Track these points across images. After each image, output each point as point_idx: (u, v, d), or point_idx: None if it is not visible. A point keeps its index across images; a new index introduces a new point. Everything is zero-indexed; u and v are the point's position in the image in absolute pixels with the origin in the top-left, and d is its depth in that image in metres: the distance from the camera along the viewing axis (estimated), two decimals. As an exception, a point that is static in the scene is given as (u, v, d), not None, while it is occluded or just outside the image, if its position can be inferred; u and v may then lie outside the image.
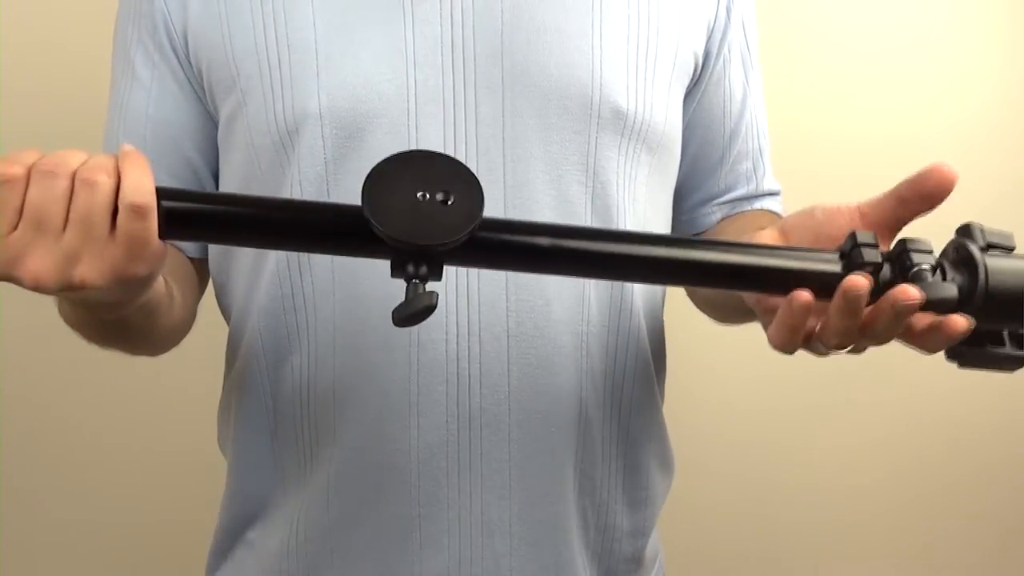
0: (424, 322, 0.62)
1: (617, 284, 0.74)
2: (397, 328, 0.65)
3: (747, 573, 1.56)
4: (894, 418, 1.56)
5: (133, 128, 0.76)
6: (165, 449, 1.31)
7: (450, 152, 0.69)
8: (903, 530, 1.59)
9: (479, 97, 0.70)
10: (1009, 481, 1.60)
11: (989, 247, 0.56)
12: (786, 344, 0.57)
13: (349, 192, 0.68)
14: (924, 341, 0.56)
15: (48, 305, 0.64)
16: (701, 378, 1.49)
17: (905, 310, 0.53)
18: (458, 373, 0.70)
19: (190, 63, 0.74)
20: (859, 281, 0.53)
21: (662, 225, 0.80)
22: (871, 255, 0.55)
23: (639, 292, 0.76)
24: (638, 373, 0.77)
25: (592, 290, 0.73)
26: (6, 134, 1.23)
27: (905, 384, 1.53)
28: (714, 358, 1.47)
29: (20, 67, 1.23)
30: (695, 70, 0.79)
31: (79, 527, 1.34)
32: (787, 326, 0.56)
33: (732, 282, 0.58)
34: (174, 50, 0.74)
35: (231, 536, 0.79)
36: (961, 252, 0.56)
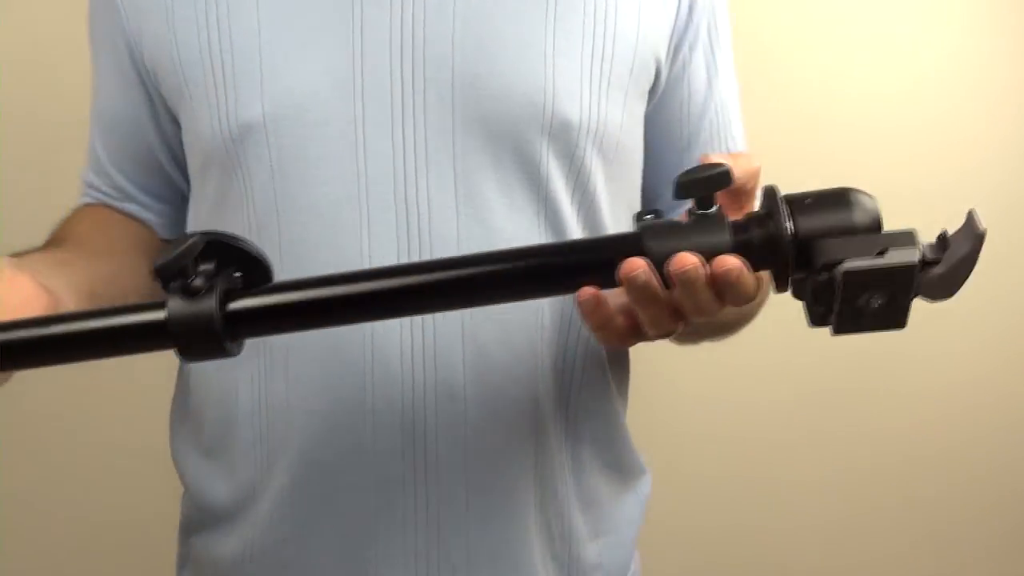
0: (378, 331, 0.67)
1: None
2: (351, 339, 0.68)
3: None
4: (887, 420, 1.56)
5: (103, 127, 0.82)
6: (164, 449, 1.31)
7: (400, 161, 0.68)
8: (891, 535, 1.60)
9: (428, 104, 0.68)
10: (1008, 486, 1.61)
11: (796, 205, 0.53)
12: (611, 341, 0.57)
13: (297, 200, 0.69)
14: (726, 295, 0.53)
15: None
16: (687, 380, 1.50)
17: (687, 277, 0.51)
18: (413, 383, 0.69)
19: (146, 68, 0.75)
20: (634, 263, 0.51)
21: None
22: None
23: None
24: (590, 379, 0.76)
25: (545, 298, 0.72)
26: (7, 135, 1.25)
27: (896, 386, 1.54)
28: (699, 364, 1.49)
29: (21, 68, 1.25)
30: (656, 74, 0.76)
31: (75, 526, 1.34)
32: (591, 325, 0.56)
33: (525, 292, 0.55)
34: (131, 55, 0.75)
35: (188, 540, 0.83)
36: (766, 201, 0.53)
